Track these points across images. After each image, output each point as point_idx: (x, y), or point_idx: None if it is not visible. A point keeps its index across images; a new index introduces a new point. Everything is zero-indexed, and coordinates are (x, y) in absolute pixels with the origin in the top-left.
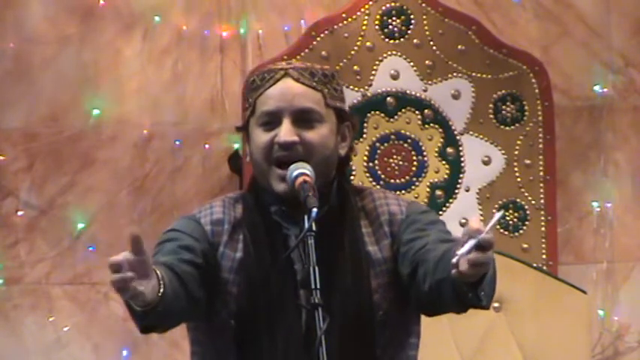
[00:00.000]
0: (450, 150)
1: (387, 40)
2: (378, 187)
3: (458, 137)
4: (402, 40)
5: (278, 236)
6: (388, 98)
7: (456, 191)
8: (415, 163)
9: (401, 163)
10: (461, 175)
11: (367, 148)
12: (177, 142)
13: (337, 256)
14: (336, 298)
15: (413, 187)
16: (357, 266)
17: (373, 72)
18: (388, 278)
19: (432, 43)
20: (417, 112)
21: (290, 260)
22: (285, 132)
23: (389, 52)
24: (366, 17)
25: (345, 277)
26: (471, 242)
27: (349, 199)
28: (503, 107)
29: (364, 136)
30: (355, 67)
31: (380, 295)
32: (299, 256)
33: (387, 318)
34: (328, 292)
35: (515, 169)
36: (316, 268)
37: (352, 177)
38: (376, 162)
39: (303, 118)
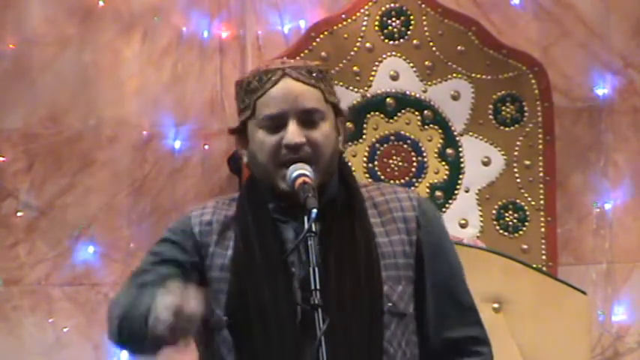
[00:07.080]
0: (449, 151)
1: (386, 40)
2: None
3: (457, 138)
4: (401, 40)
5: (272, 232)
6: (388, 99)
7: (456, 192)
8: (415, 164)
9: (400, 164)
10: (460, 176)
11: (367, 149)
12: (177, 143)
13: (349, 245)
14: (347, 285)
15: (412, 187)
16: (369, 255)
17: (373, 73)
18: (396, 272)
19: (431, 43)
20: (416, 112)
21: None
22: (293, 134)
23: (388, 53)
24: (366, 18)
25: (358, 265)
26: None
27: (357, 190)
28: (503, 108)
29: (364, 137)
30: (355, 68)
31: (389, 286)
32: (298, 255)
33: (395, 310)
34: (339, 280)
35: (515, 169)
36: (316, 270)
37: None
38: (376, 163)
39: (308, 118)
